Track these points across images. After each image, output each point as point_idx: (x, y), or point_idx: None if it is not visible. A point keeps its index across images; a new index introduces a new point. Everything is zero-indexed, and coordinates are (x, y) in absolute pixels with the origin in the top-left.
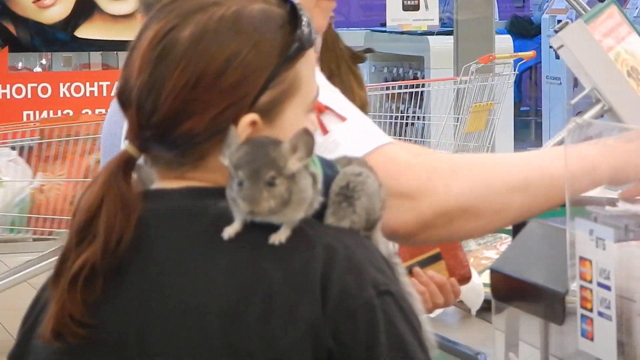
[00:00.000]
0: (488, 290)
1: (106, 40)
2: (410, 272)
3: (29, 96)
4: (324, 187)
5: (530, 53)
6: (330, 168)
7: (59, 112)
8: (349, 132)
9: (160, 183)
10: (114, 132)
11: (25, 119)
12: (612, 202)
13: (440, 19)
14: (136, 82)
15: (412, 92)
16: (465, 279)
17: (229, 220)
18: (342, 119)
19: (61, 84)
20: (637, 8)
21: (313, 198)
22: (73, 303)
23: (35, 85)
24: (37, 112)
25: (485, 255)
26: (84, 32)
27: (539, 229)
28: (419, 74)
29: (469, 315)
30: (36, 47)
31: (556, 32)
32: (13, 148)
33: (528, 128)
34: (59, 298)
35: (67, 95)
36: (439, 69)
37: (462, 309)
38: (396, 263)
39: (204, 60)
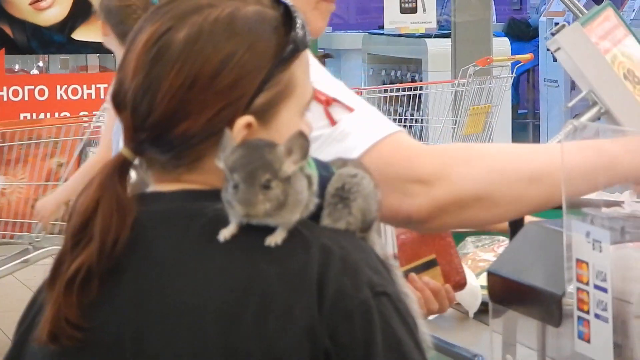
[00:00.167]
0: (485, 292)
1: (103, 43)
2: (405, 277)
3: (26, 98)
4: (319, 189)
5: (528, 56)
6: (325, 169)
7: (57, 114)
8: (358, 121)
9: (156, 186)
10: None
11: None
12: (609, 204)
13: (438, 22)
14: (131, 84)
15: (410, 94)
16: (460, 285)
17: (224, 223)
18: (350, 109)
19: (58, 87)
20: (633, 11)
21: (309, 200)
22: (69, 306)
23: (33, 87)
24: (35, 115)
25: (482, 257)
26: (81, 34)
27: (536, 231)
28: (416, 77)
29: (466, 318)
30: (33, 49)
31: (553, 34)
32: None
33: (526, 130)
34: (55, 301)
35: (65, 97)
36: (436, 71)
37: (460, 311)
38: (392, 264)
39: (199, 62)
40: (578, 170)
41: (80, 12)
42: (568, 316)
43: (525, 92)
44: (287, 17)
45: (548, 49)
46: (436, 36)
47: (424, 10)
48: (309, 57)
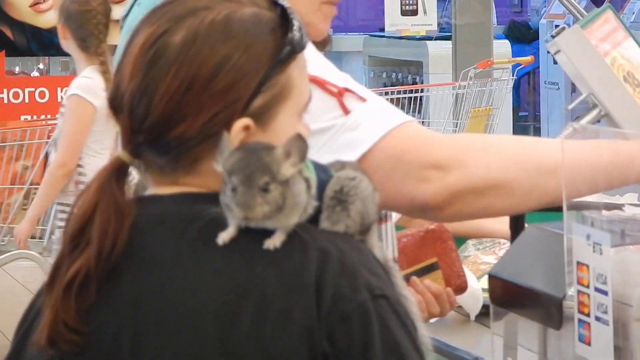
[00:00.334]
0: (486, 295)
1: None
2: (407, 280)
3: (27, 100)
4: (318, 192)
5: (529, 58)
6: (324, 172)
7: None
8: (371, 110)
9: (154, 189)
10: None
11: None
12: (609, 207)
13: (439, 24)
14: (128, 87)
15: (411, 97)
16: (461, 289)
17: (222, 226)
18: (363, 99)
19: (59, 89)
20: (633, 13)
21: (307, 203)
22: (67, 310)
23: (33, 89)
24: (35, 117)
25: (483, 260)
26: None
27: (537, 234)
28: (417, 79)
29: (467, 320)
30: (33, 52)
31: (553, 37)
32: None
33: (527, 133)
34: (53, 305)
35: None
36: (437, 74)
37: (461, 314)
38: (392, 267)
39: (195, 65)
40: (594, 168)
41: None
42: (569, 319)
43: (526, 95)
44: (284, 19)
45: (549, 52)
46: (437, 38)
47: (425, 12)
48: (306, 59)
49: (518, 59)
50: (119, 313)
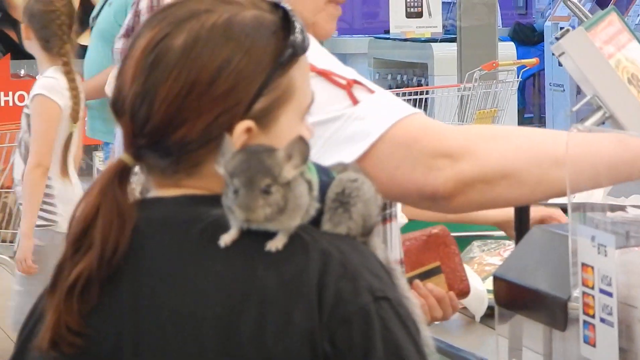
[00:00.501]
0: (491, 296)
1: (25, 46)
2: (409, 284)
3: None
4: (320, 194)
5: (533, 60)
6: (325, 174)
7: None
8: (380, 101)
9: (156, 191)
10: None
11: None
12: (614, 209)
13: (444, 26)
14: (129, 91)
15: (416, 99)
16: (463, 293)
17: (224, 228)
18: (371, 91)
19: None
20: (638, 15)
21: (309, 205)
22: (70, 313)
23: None
24: None
25: (488, 261)
26: (86, 39)
27: (542, 235)
28: (422, 81)
29: (472, 322)
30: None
31: (557, 39)
32: None
33: None
34: (56, 308)
35: None
36: (442, 75)
37: (466, 315)
38: (394, 269)
39: (196, 68)
40: (599, 162)
41: (84, 18)
42: (574, 320)
43: (531, 97)
44: (286, 21)
45: (553, 54)
46: (442, 40)
47: (430, 14)
48: (308, 62)
49: (523, 61)
50: (120, 316)
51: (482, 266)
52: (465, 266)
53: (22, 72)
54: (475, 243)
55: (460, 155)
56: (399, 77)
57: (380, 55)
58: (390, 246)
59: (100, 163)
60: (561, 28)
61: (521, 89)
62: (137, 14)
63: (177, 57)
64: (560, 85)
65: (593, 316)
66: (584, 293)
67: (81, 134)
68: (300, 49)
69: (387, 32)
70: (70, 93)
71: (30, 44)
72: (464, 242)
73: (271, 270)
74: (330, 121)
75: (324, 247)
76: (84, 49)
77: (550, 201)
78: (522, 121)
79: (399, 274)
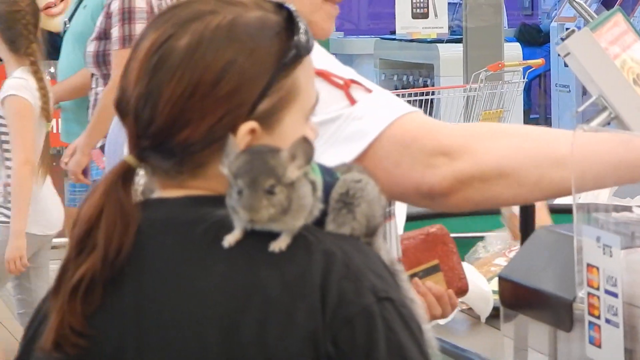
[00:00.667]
0: (497, 297)
1: None
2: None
3: None
4: (323, 194)
5: (539, 61)
6: (329, 175)
7: None
8: (377, 101)
9: (160, 192)
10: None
11: None
12: (619, 209)
13: (450, 27)
14: (133, 92)
15: (422, 99)
16: (462, 291)
17: (227, 228)
18: (369, 90)
19: None
20: None
21: (313, 205)
22: (73, 314)
23: None
24: None
25: (494, 262)
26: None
27: (547, 236)
28: (428, 82)
29: (478, 323)
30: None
31: (563, 39)
32: None
33: None
34: (60, 309)
35: None
36: (448, 76)
37: (472, 316)
38: (398, 269)
39: (200, 69)
40: (603, 162)
41: None
42: (579, 321)
43: (536, 97)
44: (290, 22)
45: (559, 54)
46: (448, 41)
47: (436, 15)
48: (312, 62)
49: (529, 61)
50: (123, 316)
51: (488, 267)
52: (470, 267)
53: None
54: (481, 244)
55: (457, 154)
56: (404, 78)
57: (386, 56)
58: (389, 245)
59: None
60: (567, 29)
61: (527, 90)
62: (108, 16)
63: (180, 58)
64: (566, 85)
65: (598, 317)
66: (589, 294)
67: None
68: (304, 50)
69: (393, 32)
70: (40, 92)
71: None
72: (469, 243)
73: (274, 270)
74: (329, 122)
75: (327, 248)
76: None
77: (557, 201)
78: (528, 122)
79: (402, 275)
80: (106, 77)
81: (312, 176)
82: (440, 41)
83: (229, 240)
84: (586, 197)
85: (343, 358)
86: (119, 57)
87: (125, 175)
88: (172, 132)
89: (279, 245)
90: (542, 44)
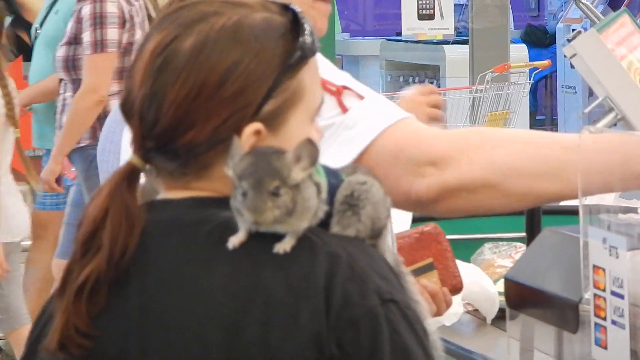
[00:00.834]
0: (503, 298)
1: None
2: None
3: None
4: (328, 196)
5: (546, 62)
6: (334, 177)
7: None
8: (369, 108)
9: (165, 193)
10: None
11: None
12: (626, 211)
13: (456, 28)
14: (138, 93)
15: None
16: (456, 289)
17: (232, 230)
18: (361, 97)
19: None
20: None
21: (318, 207)
22: (78, 314)
23: None
24: None
25: (499, 263)
26: None
27: (553, 237)
28: (434, 83)
29: (483, 324)
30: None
31: (569, 41)
32: None
33: None
34: (64, 310)
35: None
36: (454, 77)
37: (477, 317)
38: (403, 271)
39: (204, 71)
40: (605, 171)
41: None
42: (585, 322)
43: (543, 99)
44: (295, 23)
45: (565, 56)
46: (454, 42)
47: (442, 16)
48: (317, 64)
49: (535, 63)
50: (128, 318)
51: (494, 268)
52: (476, 268)
53: None
54: (487, 245)
55: (444, 164)
56: (410, 79)
57: (392, 57)
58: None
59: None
60: (573, 30)
61: (533, 91)
62: (79, 21)
63: (185, 60)
64: (572, 87)
65: (604, 318)
66: (595, 295)
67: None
68: (309, 51)
69: (399, 34)
70: (4, 99)
71: None
72: (475, 244)
73: (278, 272)
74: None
75: (331, 250)
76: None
77: (562, 203)
78: (534, 123)
79: (407, 276)
80: (75, 82)
81: (316, 178)
82: (446, 42)
83: (233, 241)
84: (592, 199)
85: None
86: (91, 62)
87: (130, 176)
88: (177, 134)
89: (283, 246)
90: (548, 45)
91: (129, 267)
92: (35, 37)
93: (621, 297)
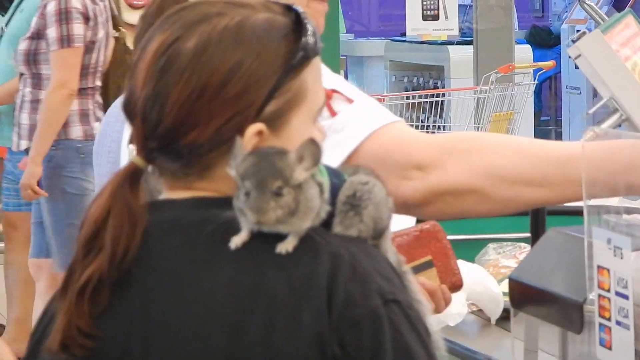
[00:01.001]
0: (507, 299)
1: None
2: None
3: None
4: (331, 196)
5: (550, 63)
6: (337, 177)
7: None
8: (357, 112)
9: (168, 193)
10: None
11: None
12: (630, 211)
13: (460, 29)
14: (141, 94)
15: (432, 101)
16: (456, 286)
17: (234, 230)
18: (350, 101)
19: None
20: None
21: (320, 207)
22: (80, 315)
23: None
24: None
25: (504, 264)
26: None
27: (558, 237)
28: (439, 84)
29: (488, 324)
30: None
31: (573, 41)
32: None
33: (548, 137)
34: (67, 310)
35: None
36: (458, 78)
37: (482, 318)
38: (405, 271)
39: (207, 71)
40: (612, 166)
41: None
42: (589, 323)
43: (547, 99)
44: (298, 24)
45: (569, 56)
46: (458, 43)
47: (446, 17)
48: (320, 64)
49: (539, 63)
50: (130, 318)
51: (498, 269)
52: (480, 268)
53: None
54: (491, 245)
55: (430, 168)
56: (415, 80)
57: (396, 57)
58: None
59: None
60: (578, 31)
61: (537, 92)
62: (43, 17)
63: (188, 60)
64: (576, 88)
65: (609, 319)
66: (599, 296)
67: None
68: (312, 52)
69: (404, 34)
70: None
71: None
72: (479, 244)
73: (280, 272)
74: None
75: (334, 250)
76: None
77: (567, 203)
78: (539, 124)
79: (409, 276)
80: (35, 77)
81: (319, 178)
82: (451, 43)
83: (236, 241)
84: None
85: None
86: (58, 57)
87: (132, 176)
88: (179, 134)
89: (285, 247)
90: (552, 46)
91: (131, 267)
92: (0, 37)
93: (626, 297)
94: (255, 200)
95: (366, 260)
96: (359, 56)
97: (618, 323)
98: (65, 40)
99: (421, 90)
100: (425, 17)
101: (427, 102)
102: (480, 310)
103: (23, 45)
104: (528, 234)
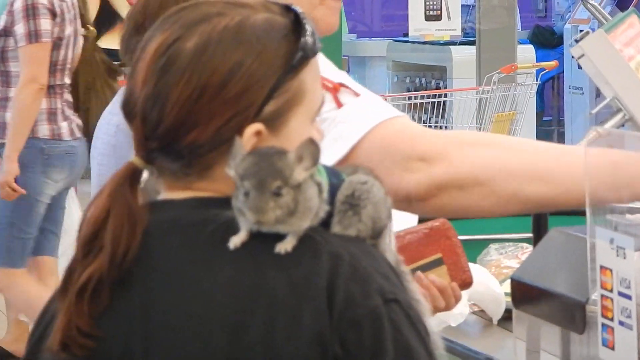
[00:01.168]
0: (509, 299)
1: None
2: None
3: None
4: (329, 196)
5: (553, 63)
6: (335, 177)
7: None
8: (363, 104)
9: (167, 193)
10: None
11: None
12: (633, 211)
13: (463, 29)
14: (141, 94)
15: (435, 101)
16: (466, 284)
17: (233, 230)
18: (357, 94)
19: None
20: None
21: (319, 207)
22: (80, 315)
23: None
24: None
25: (506, 264)
26: (106, 42)
27: (560, 237)
28: (441, 84)
29: (490, 325)
30: None
31: (577, 41)
32: None
33: (550, 138)
34: (67, 310)
35: None
36: (461, 78)
37: (484, 318)
38: (404, 271)
39: (207, 71)
40: (603, 186)
41: (105, 20)
42: (592, 323)
43: (550, 100)
44: (297, 24)
45: (573, 56)
46: (461, 43)
47: (449, 17)
48: (319, 64)
49: (542, 63)
50: (130, 318)
51: (500, 269)
52: (482, 268)
53: None
54: (493, 246)
55: (434, 159)
56: (417, 80)
57: (399, 58)
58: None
59: None
60: (581, 31)
61: (540, 92)
62: (11, 14)
63: (188, 61)
64: (579, 88)
65: (612, 319)
66: (602, 296)
67: None
68: (311, 52)
69: (406, 35)
70: None
71: None
72: (481, 245)
73: (280, 272)
74: None
75: (333, 250)
76: (106, 51)
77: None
78: (541, 124)
79: (408, 276)
80: (4, 75)
81: (318, 178)
82: (453, 43)
83: (235, 241)
84: None
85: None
86: (27, 53)
87: (132, 176)
88: (179, 134)
89: (285, 247)
90: (555, 46)
91: (131, 267)
92: None
93: (628, 297)
94: (255, 200)
95: (366, 259)
96: (361, 56)
97: (621, 323)
98: (33, 36)
99: (423, 91)
100: (427, 18)
101: (429, 102)
102: (482, 310)
103: None
104: (530, 235)
